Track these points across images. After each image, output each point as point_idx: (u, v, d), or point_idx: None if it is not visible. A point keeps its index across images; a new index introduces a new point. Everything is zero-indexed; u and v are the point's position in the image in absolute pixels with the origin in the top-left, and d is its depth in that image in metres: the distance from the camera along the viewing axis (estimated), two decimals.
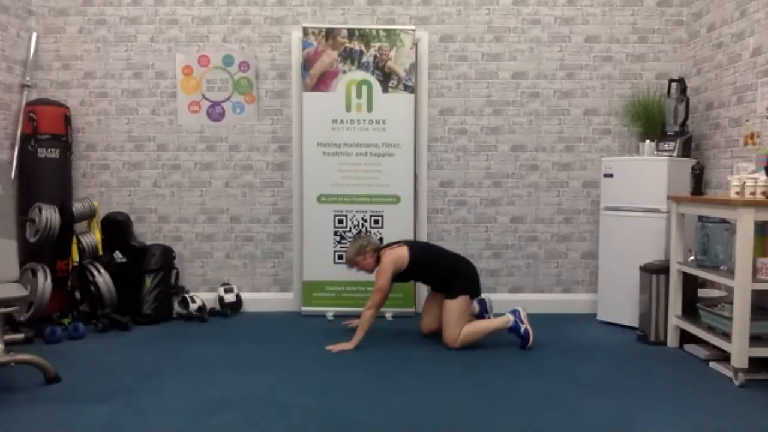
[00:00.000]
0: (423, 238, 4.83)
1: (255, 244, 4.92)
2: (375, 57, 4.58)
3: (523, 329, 3.84)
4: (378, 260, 3.88)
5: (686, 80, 4.61)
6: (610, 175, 4.48)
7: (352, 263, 3.91)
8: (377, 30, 4.58)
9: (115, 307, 4.42)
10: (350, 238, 4.64)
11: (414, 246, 3.91)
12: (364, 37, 4.58)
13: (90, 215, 4.56)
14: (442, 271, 3.89)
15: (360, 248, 3.87)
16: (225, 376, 3.30)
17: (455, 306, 3.80)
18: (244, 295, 4.88)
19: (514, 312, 3.89)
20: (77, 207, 4.47)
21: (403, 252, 3.82)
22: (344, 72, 4.59)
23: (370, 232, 4.64)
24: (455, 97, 4.85)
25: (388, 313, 4.64)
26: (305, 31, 4.58)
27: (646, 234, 4.28)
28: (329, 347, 3.79)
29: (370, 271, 3.92)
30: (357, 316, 4.12)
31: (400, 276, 3.88)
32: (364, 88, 4.60)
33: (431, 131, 4.86)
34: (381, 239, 4.59)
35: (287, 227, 4.90)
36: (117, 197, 4.88)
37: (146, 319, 4.47)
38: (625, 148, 4.86)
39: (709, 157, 4.47)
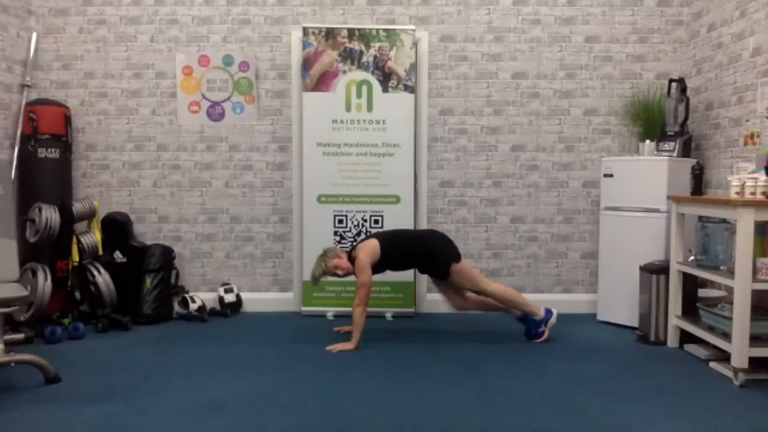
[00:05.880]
0: None
1: (255, 244, 4.92)
2: (375, 57, 4.58)
3: (540, 331, 4.02)
4: (350, 261, 3.91)
5: (686, 80, 4.61)
6: (610, 175, 4.48)
7: (331, 268, 3.90)
8: (377, 30, 4.58)
9: (115, 307, 4.42)
10: (350, 238, 4.64)
11: (381, 235, 4.01)
12: (364, 37, 4.58)
13: (90, 215, 4.55)
14: (416, 251, 3.98)
15: (333, 253, 3.92)
16: (225, 376, 3.30)
17: (457, 278, 3.95)
18: (244, 295, 4.88)
19: (548, 312, 4.04)
20: (77, 207, 4.47)
21: (374, 243, 3.90)
22: (344, 72, 4.59)
23: (366, 232, 4.64)
24: (455, 97, 4.85)
25: (388, 313, 4.64)
26: (305, 31, 4.58)
27: (646, 234, 4.28)
28: (329, 347, 3.79)
29: (350, 270, 3.93)
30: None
31: (378, 266, 3.93)
32: (364, 88, 4.60)
33: (431, 131, 4.86)
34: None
35: (287, 227, 4.91)
36: (117, 197, 4.88)
37: (146, 319, 4.47)
38: (625, 148, 4.86)
39: (709, 157, 4.47)
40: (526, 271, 4.92)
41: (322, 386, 3.15)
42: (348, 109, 4.61)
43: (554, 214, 4.90)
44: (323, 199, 4.66)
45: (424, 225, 4.84)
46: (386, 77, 4.59)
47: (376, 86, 4.59)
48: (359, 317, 3.78)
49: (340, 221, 4.67)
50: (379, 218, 4.66)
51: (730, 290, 3.83)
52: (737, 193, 3.33)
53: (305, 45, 4.58)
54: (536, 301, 4.59)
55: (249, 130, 4.87)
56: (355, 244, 4.08)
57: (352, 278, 4.24)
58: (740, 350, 3.18)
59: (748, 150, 3.97)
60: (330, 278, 4.09)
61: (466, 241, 4.88)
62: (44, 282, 4.08)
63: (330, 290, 4.67)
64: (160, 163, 4.88)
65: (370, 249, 3.87)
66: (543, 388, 3.15)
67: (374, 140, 4.62)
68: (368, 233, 4.64)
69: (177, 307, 4.69)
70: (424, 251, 3.98)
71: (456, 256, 3.97)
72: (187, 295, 4.69)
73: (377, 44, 4.57)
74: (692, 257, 3.83)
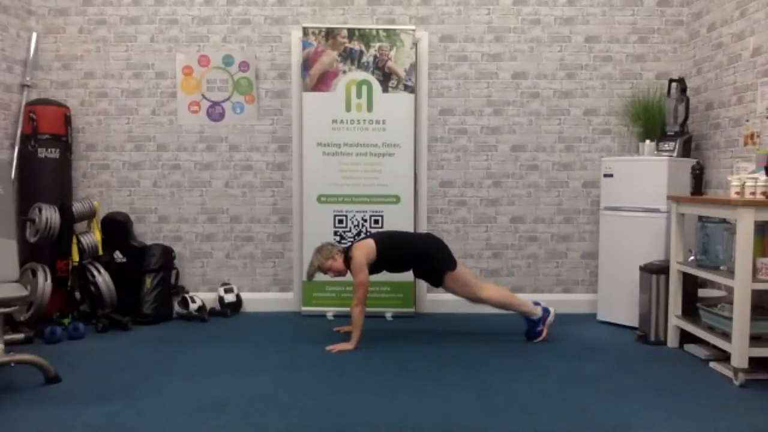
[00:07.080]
0: None
1: (255, 244, 4.92)
2: (375, 57, 4.58)
3: (538, 330, 4.02)
4: (346, 260, 3.91)
5: (686, 80, 4.61)
6: (610, 175, 4.48)
7: (324, 269, 3.91)
8: (377, 30, 4.58)
9: (115, 307, 4.42)
10: (350, 238, 4.64)
11: (378, 236, 3.99)
12: (364, 37, 4.58)
13: (90, 215, 4.55)
14: (412, 255, 3.97)
15: (328, 252, 3.92)
16: (225, 376, 3.30)
17: (451, 285, 3.95)
18: (244, 295, 4.88)
19: (546, 311, 4.04)
20: (77, 207, 4.47)
21: (370, 243, 3.89)
22: (344, 72, 4.59)
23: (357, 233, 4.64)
24: (455, 97, 4.85)
25: (388, 313, 4.64)
26: (305, 31, 4.58)
27: (646, 234, 4.28)
28: (329, 347, 3.79)
29: (343, 272, 3.94)
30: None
31: (375, 267, 3.92)
32: (364, 88, 4.60)
33: (431, 131, 4.86)
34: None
35: (287, 227, 4.91)
36: (117, 197, 4.88)
37: (146, 319, 4.47)
38: (625, 148, 4.86)
39: (709, 157, 4.47)
40: (526, 271, 4.92)
41: (322, 386, 3.15)
42: (348, 109, 4.61)
43: (554, 214, 4.90)
44: (323, 199, 4.66)
45: (424, 225, 4.85)
46: (386, 77, 4.59)
47: (376, 86, 4.59)
48: (358, 317, 3.78)
49: (340, 221, 4.67)
50: (379, 218, 4.66)
51: (730, 290, 3.83)
52: (737, 193, 3.33)
53: (305, 45, 4.58)
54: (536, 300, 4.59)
55: (249, 130, 4.87)
56: (351, 242, 4.07)
57: (352, 278, 4.24)
58: (740, 350, 3.18)
59: (748, 150, 3.97)
60: (327, 277, 4.08)
61: (466, 241, 4.88)
62: (44, 282, 4.08)
63: (330, 290, 4.67)
64: (160, 163, 4.88)
65: (365, 249, 3.86)
66: (543, 388, 3.15)
67: (374, 140, 4.62)
68: (368, 233, 4.64)
69: (177, 307, 4.69)
70: (420, 255, 3.96)
71: (451, 264, 3.94)
72: (187, 295, 4.69)
73: (377, 44, 4.57)
74: (692, 257, 3.83)
